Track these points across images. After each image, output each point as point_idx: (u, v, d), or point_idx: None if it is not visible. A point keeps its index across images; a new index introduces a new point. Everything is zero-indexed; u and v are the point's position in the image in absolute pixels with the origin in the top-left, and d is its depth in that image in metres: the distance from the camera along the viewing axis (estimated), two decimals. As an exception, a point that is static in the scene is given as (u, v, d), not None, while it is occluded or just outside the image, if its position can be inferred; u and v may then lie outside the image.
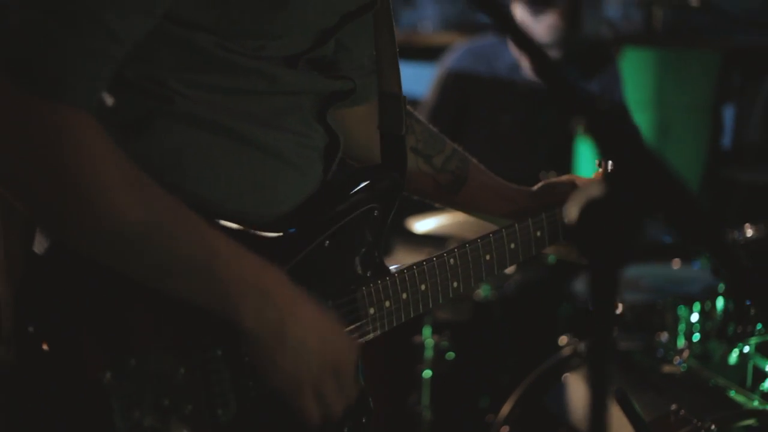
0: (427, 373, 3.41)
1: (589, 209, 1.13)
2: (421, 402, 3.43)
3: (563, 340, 3.84)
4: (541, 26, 4.55)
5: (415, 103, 4.74)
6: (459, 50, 4.83)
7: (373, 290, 1.92)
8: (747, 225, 3.73)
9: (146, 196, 1.61)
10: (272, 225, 1.82)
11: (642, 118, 6.31)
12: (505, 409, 3.60)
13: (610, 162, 2.14)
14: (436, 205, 2.28)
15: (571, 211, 1.14)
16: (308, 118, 1.88)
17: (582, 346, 3.69)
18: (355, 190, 1.92)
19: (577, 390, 3.59)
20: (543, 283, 4.24)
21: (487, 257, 2.05)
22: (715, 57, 6.34)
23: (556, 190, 2.20)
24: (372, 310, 1.92)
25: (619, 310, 4.15)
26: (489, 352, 4.13)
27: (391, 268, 1.98)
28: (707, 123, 6.37)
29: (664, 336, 3.90)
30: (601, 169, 2.15)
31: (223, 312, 1.66)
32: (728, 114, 6.32)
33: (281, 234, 1.82)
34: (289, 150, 1.84)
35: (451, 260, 2.00)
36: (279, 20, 1.75)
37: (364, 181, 1.93)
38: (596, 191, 1.13)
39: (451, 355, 3.46)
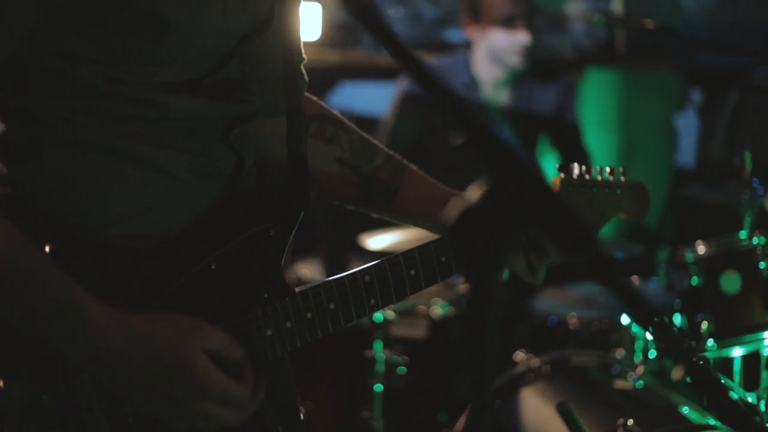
0: (379, 387, 3.42)
1: (464, 216, 1.15)
2: (373, 416, 3.44)
3: (519, 355, 3.86)
4: (511, 33, 4.64)
5: (376, 122, 4.78)
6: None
7: (270, 311, 1.88)
8: (699, 242, 3.77)
9: None
10: (159, 248, 1.82)
11: (606, 138, 6.35)
12: (460, 423, 3.62)
13: (575, 167, 2.17)
14: (374, 215, 2.26)
15: (449, 216, 1.16)
16: (209, 140, 1.87)
17: (537, 362, 3.71)
18: (246, 210, 1.90)
19: (532, 405, 3.61)
20: (502, 299, 4.26)
21: (412, 272, 1.99)
22: (677, 76, 6.39)
23: None
24: (269, 331, 1.88)
25: (575, 326, 4.19)
26: (445, 367, 4.15)
27: (296, 288, 1.94)
28: (670, 142, 6.42)
29: (620, 352, 3.93)
30: (561, 175, 2.14)
31: (49, 342, 1.70)
32: (691, 133, 6.38)
33: (166, 257, 1.82)
34: (183, 171, 1.84)
35: (367, 277, 1.96)
36: (165, 46, 1.76)
37: (257, 201, 1.92)
38: (473, 198, 1.15)
39: (402, 369, 3.48)
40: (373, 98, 5.52)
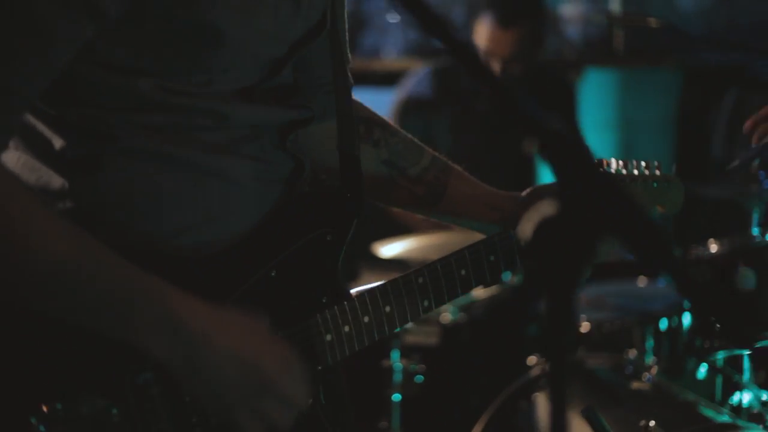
0: (397, 397, 3.41)
1: (542, 228, 1.14)
2: (391, 426, 3.43)
3: (532, 360, 3.85)
4: (508, 38, 4.61)
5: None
6: (418, 75, 4.86)
7: (329, 316, 1.89)
8: (711, 240, 3.76)
9: (65, 232, 1.65)
10: (222, 256, 1.81)
11: (606, 137, 6.36)
12: (477, 429, 3.61)
13: (612, 161, 2.17)
14: (419, 216, 2.27)
15: (525, 230, 1.15)
16: (267, 146, 1.88)
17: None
18: (303, 216, 1.90)
19: (546, 409, 3.61)
20: (510, 304, 4.26)
21: (462, 272, 2.00)
22: (676, 75, 6.41)
23: (544, 194, 2.14)
24: (329, 337, 1.88)
25: (586, 329, 4.18)
26: (459, 374, 4.14)
27: (352, 291, 1.95)
28: (670, 140, 6.43)
29: (633, 353, 3.93)
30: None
31: (137, 347, 1.68)
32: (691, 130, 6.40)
33: (229, 265, 1.82)
34: (244, 177, 1.85)
35: (420, 279, 1.97)
36: (219, 55, 1.75)
37: (314, 206, 1.92)
38: (550, 209, 1.14)
39: (420, 378, 3.47)
40: (369, 105, 5.51)
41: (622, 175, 2.18)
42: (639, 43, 6.09)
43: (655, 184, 2.20)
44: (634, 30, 5.99)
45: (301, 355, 1.81)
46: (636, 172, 2.19)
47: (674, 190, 2.24)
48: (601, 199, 1.13)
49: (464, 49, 1.25)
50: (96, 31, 1.68)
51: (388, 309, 1.93)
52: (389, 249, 3.73)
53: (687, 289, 1.17)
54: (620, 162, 2.19)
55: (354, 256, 3.96)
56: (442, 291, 1.99)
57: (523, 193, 2.17)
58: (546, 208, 1.14)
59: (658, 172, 2.21)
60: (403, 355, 3.42)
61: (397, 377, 3.40)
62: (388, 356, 3.40)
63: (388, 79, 5.68)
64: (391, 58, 6.54)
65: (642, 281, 4.49)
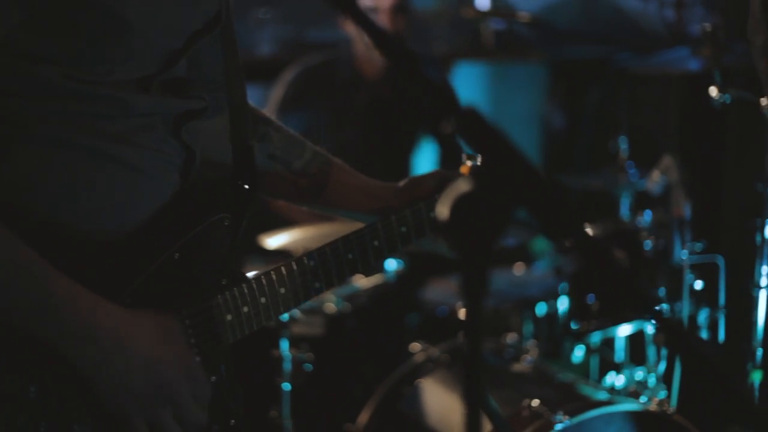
0: (287, 386, 3.46)
1: (459, 204, 1.21)
2: (282, 414, 3.47)
3: (415, 347, 3.93)
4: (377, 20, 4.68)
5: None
6: (294, 71, 4.89)
7: (229, 297, 1.98)
8: (585, 225, 3.90)
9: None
10: (125, 242, 1.88)
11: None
12: (363, 416, 3.69)
13: (478, 157, 2.25)
14: (304, 208, 2.34)
15: (443, 207, 1.22)
16: (163, 135, 1.93)
17: (435, 351, 3.80)
18: (202, 202, 1.97)
19: (430, 394, 3.70)
20: (392, 292, 4.33)
21: (350, 256, 2.10)
22: (544, 68, 6.56)
23: (422, 184, 2.25)
24: (229, 317, 1.97)
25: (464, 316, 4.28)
26: (345, 362, 4.21)
27: (248, 274, 2.03)
28: (538, 132, 6.59)
29: (513, 337, 4.05)
30: (468, 164, 2.22)
31: (52, 348, 1.77)
32: (558, 123, 6.56)
33: (132, 250, 1.89)
34: (144, 165, 1.90)
35: (311, 262, 2.07)
36: (122, 45, 1.82)
37: (211, 192, 1.99)
38: (466, 186, 1.21)
39: (308, 367, 3.52)
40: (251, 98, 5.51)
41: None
42: (507, 38, 6.22)
43: None
44: (502, 24, 6.12)
45: (204, 335, 1.93)
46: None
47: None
48: (515, 174, 1.21)
49: (380, 33, 1.31)
50: (19, 19, 1.72)
51: (283, 290, 2.04)
52: (274, 240, 3.78)
53: (594, 261, 1.25)
54: (470, 155, 2.31)
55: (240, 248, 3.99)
56: (331, 274, 2.10)
57: (401, 183, 2.28)
58: (462, 185, 1.21)
59: None
60: (292, 345, 3.47)
61: (287, 366, 3.44)
62: (277, 346, 3.45)
63: (261, 75, 5.69)
64: (263, 53, 6.55)
65: (519, 268, 4.62)
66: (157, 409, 1.83)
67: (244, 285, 2.00)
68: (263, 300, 2.01)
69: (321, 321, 3.90)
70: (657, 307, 1.28)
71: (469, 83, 6.43)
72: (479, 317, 1.24)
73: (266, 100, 4.92)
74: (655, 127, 5.51)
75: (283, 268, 2.05)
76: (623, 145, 4.28)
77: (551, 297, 4.10)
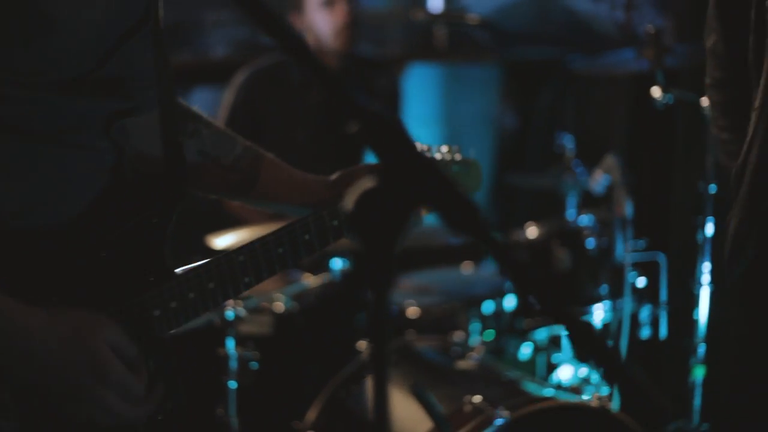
0: (233, 384, 3.48)
1: (363, 199, 1.25)
2: (228, 413, 3.50)
3: (362, 345, 3.97)
4: (332, 15, 4.71)
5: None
6: (245, 72, 4.91)
7: (156, 293, 2.00)
8: (529, 225, 3.96)
9: None
10: (54, 239, 1.91)
11: (430, 131, 6.53)
12: (311, 414, 3.71)
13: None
14: (253, 209, 2.36)
15: (348, 202, 1.25)
16: (93, 134, 1.95)
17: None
18: (130, 200, 1.99)
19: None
20: (341, 292, 4.37)
21: (280, 251, 2.12)
22: (496, 70, 6.62)
23: (354, 178, 2.29)
24: (157, 312, 1.99)
25: (415, 313, 4.33)
26: (292, 361, 4.23)
27: (178, 270, 2.06)
28: (491, 132, 6.64)
29: (459, 335, 4.09)
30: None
31: None
32: (511, 123, 6.62)
33: (61, 247, 1.91)
34: (75, 164, 1.92)
35: (241, 257, 2.09)
36: (53, 45, 1.83)
37: (139, 190, 2.01)
38: (370, 183, 1.25)
39: (255, 365, 3.55)
40: (203, 101, 5.52)
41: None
42: (460, 39, 6.27)
43: (455, 168, 2.37)
44: (455, 26, 6.17)
45: (131, 330, 1.93)
46: (437, 156, 2.36)
47: (473, 172, 2.40)
48: (418, 176, 1.24)
49: (293, 39, 1.34)
50: None
51: (212, 285, 2.05)
52: (222, 240, 3.80)
53: (504, 263, 1.29)
54: (423, 146, 2.35)
55: (190, 249, 4.01)
56: (261, 269, 2.11)
57: (332, 177, 2.31)
58: (366, 183, 1.25)
59: (458, 156, 2.38)
60: (238, 344, 3.50)
61: (233, 365, 3.47)
62: (223, 345, 3.47)
63: (216, 77, 5.71)
64: (217, 56, 6.56)
65: (466, 267, 4.66)
66: (97, 391, 1.84)
67: (172, 280, 2.02)
68: (191, 295, 2.03)
69: (269, 320, 3.92)
70: (567, 311, 1.32)
71: (422, 84, 6.47)
72: (385, 311, 1.27)
73: (220, 103, 4.94)
74: (603, 127, 5.58)
75: (212, 264, 2.06)
76: (570, 144, 4.34)
77: (498, 295, 4.15)
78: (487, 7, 6.56)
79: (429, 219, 2.44)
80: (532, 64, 6.44)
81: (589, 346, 1.36)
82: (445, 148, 2.37)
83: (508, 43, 6.31)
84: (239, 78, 4.90)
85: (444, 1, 6.32)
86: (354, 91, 1.28)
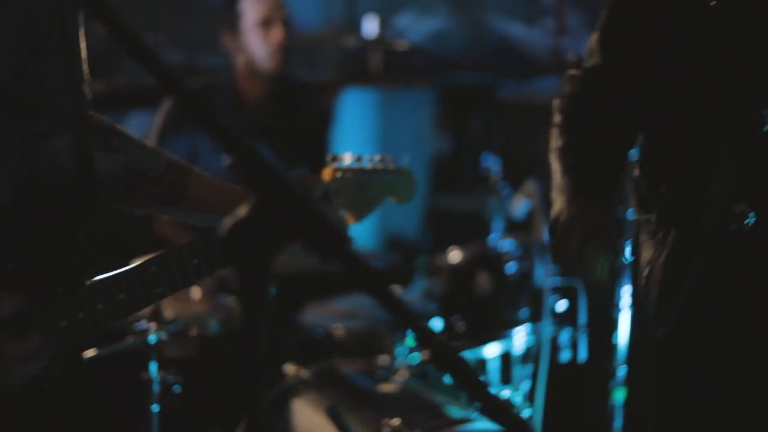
0: (156, 408, 3.49)
1: (235, 228, 1.29)
2: (150, 436, 3.51)
3: (289, 368, 3.99)
4: (268, 36, 4.73)
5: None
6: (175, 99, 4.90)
7: (63, 304, 2.02)
8: (451, 248, 4.01)
9: None
10: None
11: (368, 154, 6.57)
12: (234, 438, 3.73)
13: (347, 156, 2.37)
14: (180, 229, 2.39)
15: (223, 228, 1.30)
16: (8, 156, 1.98)
17: (306, 373, 3.86)
18: (40, 215, 2.02)
19: (303, 414, 3.76)
20: (269, 315, 4.38)
21: (195, 261, 2.13)
22: (431, 94, 6.68)
23: None
24: (64, 323, 2.01)
25: (341, 336, 4.37)
26: (218, 384, 4.25)
27: (88, 281, 2.07)
28: (426, 156, 6.70)
29: (384, 359, 4.13)
30: (333, 164, 2.32)
31: None
32: (444, 147, 6.68)
33: None
34: None
35: (153, 268, 2.10)
36: None
37: (50, 205, 2.04)
38: (243, 213, 1.29)
39: (178, 388, 3.56)
40: (138, 125, 5.54)
41: (355, 168, 2.39)
42: (394, 64, 6.33)
43: (387, 177, 2.41)
44: (389, 51, 6.23)
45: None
46: (370, 165, 2.40)
47: (406, 181, 2.45)
48: (289, 209, 1.29)
49: (156, 64, 1.38)
50: None
51: (122, 296, 2.06)
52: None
53: (360, 283, 1.34)
54: (355, 156, 2.40)
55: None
56: (175, 279, 2.12)
57: None
58: (240, 211, 1.29)
59: (390, 166, 2.42)
60: (161, 368, 3.51)
61: (156, 388, 3.48)
62: (146, 369, 3.48)
63: (152, 101, 5.72)
64: (153, 80, 6.55)
65: (395, 290, 4.70)
66: None
67: (81, 291, 2.04)
68: (100, 306, 2.04)
69: (194, 343, 3.94)
70: (426, 331, 1.37)
71: (357, 108, 6.52)
72: (259, 337, 1.31)
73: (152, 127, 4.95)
74: (532, 152, 5.64)
75: (122, 275, 2.07)
76: (496, 168, 4.40)
77: (424, 319, 4.19)
78: (422, 32, 6.64)
79: (358, 246, 2.50)
80: (466, 89, 6.52)
81: (458, 374, 1.40)
82: (378, 157, 2.42)
83: (442, 68, 6.38)
84: (168, 102, 4.90)
85: (378, 26, 6.38)
86: (225, 124, 1.32)
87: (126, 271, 2.08)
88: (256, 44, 4.76)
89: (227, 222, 1.30)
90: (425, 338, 1.35)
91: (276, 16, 4.75)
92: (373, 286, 1.34)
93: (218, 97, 4.85)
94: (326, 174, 2.36)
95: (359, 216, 2.40)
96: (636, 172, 2.62)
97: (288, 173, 1.29)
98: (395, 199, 2.44)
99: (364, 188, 2.38)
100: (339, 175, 2.36)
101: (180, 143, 4.77)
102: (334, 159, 2.38)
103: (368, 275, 1.33)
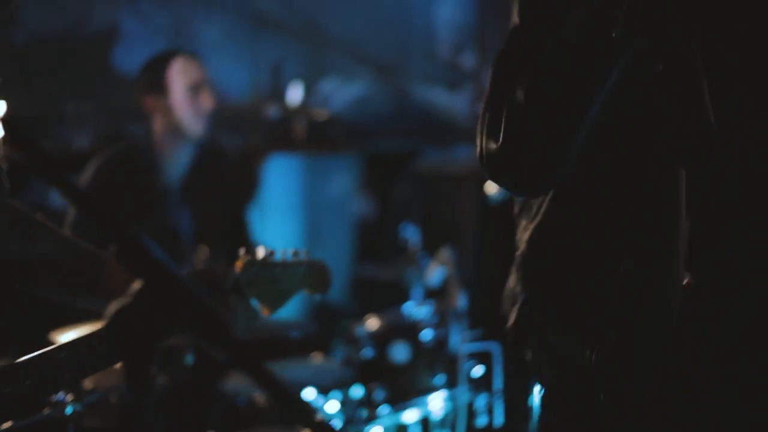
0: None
1: (120, 313, 1.35)
2: None
3: (210, 436, 4.02)
4: (197, 101, 4.76)
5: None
6: (94, 164, 4.91)
7: None
8: (368, 316, 4.07)
9: None
10: None
11: (293, 219, 6.63)
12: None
13: (260, 250, 2.42)
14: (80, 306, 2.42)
15: (107, 313, 1.36)
16: None
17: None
18: None
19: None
20: (193, 384, 4.40)
21: (105, 348, 2.13)
22: (355, 160, 6.77)
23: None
24: None
25: (263, 404, 4.39)
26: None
27: None
28: (350, 223, 6.78)
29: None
30: (245, 257, 2.38)
31: None
32: (369, 213, 6.75)
33: None
34: None
35: (62, 354, 2.11)
36: None
37: None
38: (127, 300, 1.35)
39: (94, 460, 3.56)
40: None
41: (267, 261, 2.45)
42: (318, 131, 6.41)
43: (301, 269, 2.48)
44: (313, 119, 6.32)
45: None
46: (282, 258, 2.47)
47: (320, 274, 2.51)
48: (170, 296, 1.35)
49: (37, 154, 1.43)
50: None
51: (29, 382, 2.08)
52: (65, 336, 3.83)
53: (241, 366, 1.39)
54: (268, 250, 2.46)
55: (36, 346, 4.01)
56: (84, 365, 2.14)
57: None
58: (125, 299, 1.35)
59: (305, 258, 2.49)
60: (79, 439, 3.51)
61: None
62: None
63: (79, 168, 5.72)
64: (83, 147, 6.56)
65: (316, 358, 4.75)
66: None
67: None
68: (7, 390, 2.05)
69: (114, 413, 3.94)
70: (305, 409, 1.42)
71: (283, 174, 6.59)
72: (145, 417, 1.37)
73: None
74: (451, 220, 5.74)
75: (29, 361, 2.09)
76: (414, 237, 4.48)
77: (345, 385, 4.24)
78: (346, 99, 6.74)
79: (283, 313, 2.56)
80: (389, 156, 6.61)
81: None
82: (291, 251, 2.48)
83: (365, 135, 6.47)
84: (88, 171, 4.92)
85: (303, 93, 6.47)
86: (111, 213, 1.38)
87: (35, 356, 2.10)
88: (185, 108, 4.78)
89: (111, 308, 1.35)
90: (304, 417, 1.41)
91: (204, 82, 4.81)
92: (253, 371, 1.40)
93: (136, 159, 4.86)
94: (238, 266, 2.43)
95: (273, 307, 2.46)
96: None
97: (171, 263, 1.33)
98: (309, 291, 2.51)
99: (276, 281, 2.44)
100: (251, 267, 2.42)
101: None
102: (248, 251, 2.44)
103: (248, 360, 1.39)
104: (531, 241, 2.14)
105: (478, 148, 2.03)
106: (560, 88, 1.97)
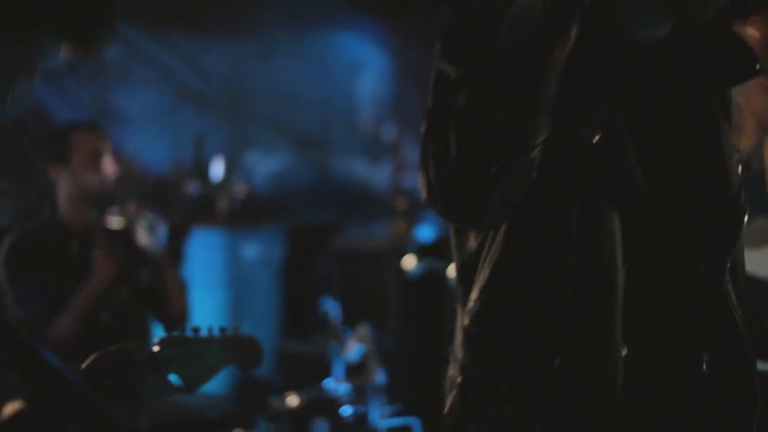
0: None
1: (14, 418, 1.36)
2: None
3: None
4: (99, 169, 4.76)
5: None
6: (9, 239, 4.87)
7: None
8: (288, 393, 4.07)
9: None
10: None
11: (217, 294, 6.62)
12: None
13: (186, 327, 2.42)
14: None
15: (1, 418, 1.36)
16: None
17: None
18: None
19: None
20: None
21: None
22: (279, 233, 6.79)
23: (104, 359, 2.34)
24: None
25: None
26: None
27: None
28: (275, 297, 6.78)
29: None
30: (170, 334, 2.39)
31: None
32: (293, 287, 6.77)
33: None
34: None
35: None
36: None
37: None
38: (19, 405, 1.36)
39: None
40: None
41: (192, 338, 2.46)
42: (241, 205, 6.44)
43: (227, 345, 2.49)
44: (234, 195, 6.35)
45: None
46: (209, 334, 2.48)
47: (249, 349, 2.52)
48: (61, 398, 1.36)
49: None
50: None
51: None
52: None
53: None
54: (195, 328, 2.47)
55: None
56: None
57: (84, 364, 2.37)
58: (15, 404, 1.36)
59: (232, 335, 2.50)
60: None
61: None
62: None
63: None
64: (3, 224, 6.52)
65: (238, 434, 4.74)
66: None
67: None
68: None
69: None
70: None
71: (207, 248, 6.59)
72: None
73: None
74: (372, 293, 5.77)
75: None
76: (334, 311, 4.50)
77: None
78: (268, 171, 6.77)
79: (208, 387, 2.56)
80: (311, 228, 6.64)
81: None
82: (218, 329, 2.49)
83: (287, 208, 6.50)
84: (3, 246, 4.89)
85: (225, 167, 6.50)
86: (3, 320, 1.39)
87: None
88: (88, 176, 4.78)
89: (5, 412, 1.36)
90: None
91: (106, 148, 4.82)
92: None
93: (45, 231, 4.83)
94: (158, 342, 2.43)
95: (198, 383, 2.46)
96: None
97: (62, 364, 1.34)
98: (239, 367, 2.52)
99: (201, 356, 2.45)
100: (173, 343, 2.42)
101: (18, 284, 4.75)
102: (170, 329, 2.45)
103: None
104: (477, 314, 2.11)
105: (426, 181, 1.96)
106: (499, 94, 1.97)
